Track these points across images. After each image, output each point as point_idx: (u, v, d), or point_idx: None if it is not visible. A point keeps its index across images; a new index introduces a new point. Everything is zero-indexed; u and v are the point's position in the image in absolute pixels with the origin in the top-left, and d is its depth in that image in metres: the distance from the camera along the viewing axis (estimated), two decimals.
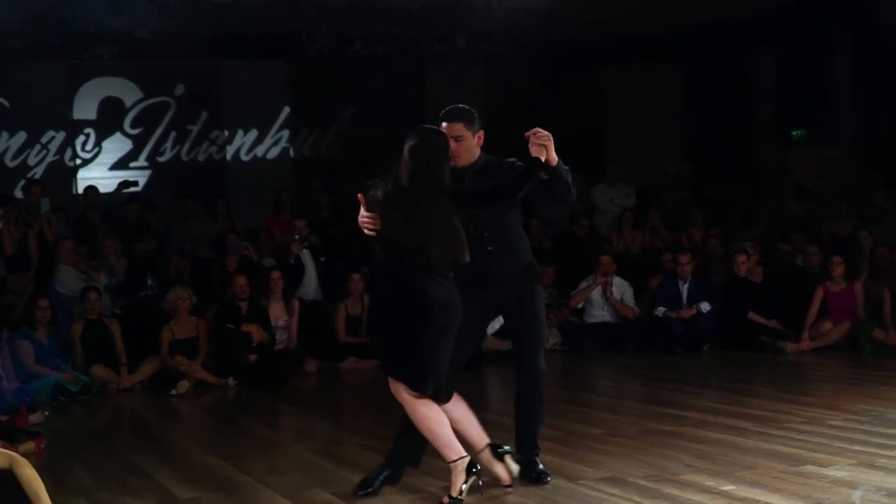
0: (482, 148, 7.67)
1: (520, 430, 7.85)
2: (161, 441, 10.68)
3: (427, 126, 7.50)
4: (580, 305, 16.14)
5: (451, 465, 7.11)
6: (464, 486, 7.06)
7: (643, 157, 20.74)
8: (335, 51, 17.33)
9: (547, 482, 7.59)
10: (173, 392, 13.50)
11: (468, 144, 7.53)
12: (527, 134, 7.26)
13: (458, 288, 7.24)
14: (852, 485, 7.13)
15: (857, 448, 8.28)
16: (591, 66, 21.65)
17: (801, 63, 20.52)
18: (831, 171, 19.21)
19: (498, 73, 20.35)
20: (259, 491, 7.97)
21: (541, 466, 7.74)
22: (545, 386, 7.83)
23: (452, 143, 7.44)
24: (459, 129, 7.51)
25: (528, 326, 7.70)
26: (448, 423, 7.24)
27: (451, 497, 7.03)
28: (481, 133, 7.62)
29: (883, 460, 7.81)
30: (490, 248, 7.53)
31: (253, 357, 14.09)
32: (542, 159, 7.16)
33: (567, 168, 7.43)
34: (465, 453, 7.14)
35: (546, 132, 7.23)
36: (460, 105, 7.72)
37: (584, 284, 16.14)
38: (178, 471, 8.91)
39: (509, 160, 7.59)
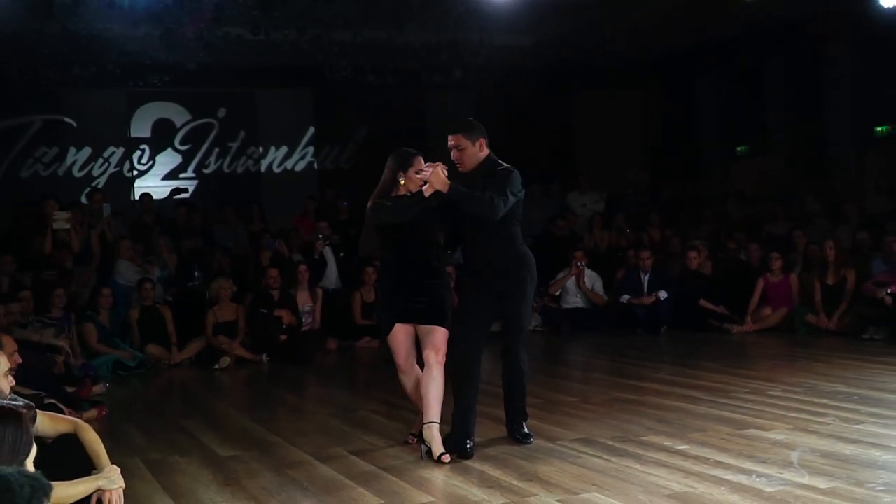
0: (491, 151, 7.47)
1: (508, 405, 7.77)
2: (205, 408, 10.64)
3: (398, 149, 7.57)
4: (558, 293, 16.11)
5: (433, 425, 7.22)
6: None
7: (609, 167, 20.70)
8: (352, 80, 17.24)
9: (530, 443, 7.53)
10: (216, 367, 13.48)
11: (470, 152, 7.35)
12: None
13: (469, 278, 7.37)
14: (790, 446, 7.06)
15: (793, 415, 8.21)
16: (564, 91, 21.63)
17: (741, 87, 20.54)
18: (768, 179, 19.19)
19: (487, 99, 20.30)
20: (288, 449, 7.92)
21: (526, 430, 7.69)
22: (528, 369, 7.69)
23: (455, 153, 7.37)
24: (458, 139, 7.36)
25: (511, 320, 7.51)
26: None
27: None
28: (482, 140, 7.39)
29: (816, 426, 7.73)
30: (474, 245, 7.43)
31: (283, 337, 14.07)
32: (427, 195, 7.09)
33: (465, 191, 7.11)
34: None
35: (428, 169, 7.13)
36: (464, 118, 7.60)
37: (561, 275, 16.11)
38: (220, 432, 8.86)
39: (501, 168, 7.38)
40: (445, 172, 7.13)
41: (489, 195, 7.13)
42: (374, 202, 7.39)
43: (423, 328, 7.37)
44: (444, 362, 7.32)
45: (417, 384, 7.51)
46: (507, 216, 7.32)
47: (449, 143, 7.42)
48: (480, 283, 7.44)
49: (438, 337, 7.32)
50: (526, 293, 7.50)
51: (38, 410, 5.66)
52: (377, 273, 14.86)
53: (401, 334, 7.47)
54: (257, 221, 17.64)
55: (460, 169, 7.43)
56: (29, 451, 4.77)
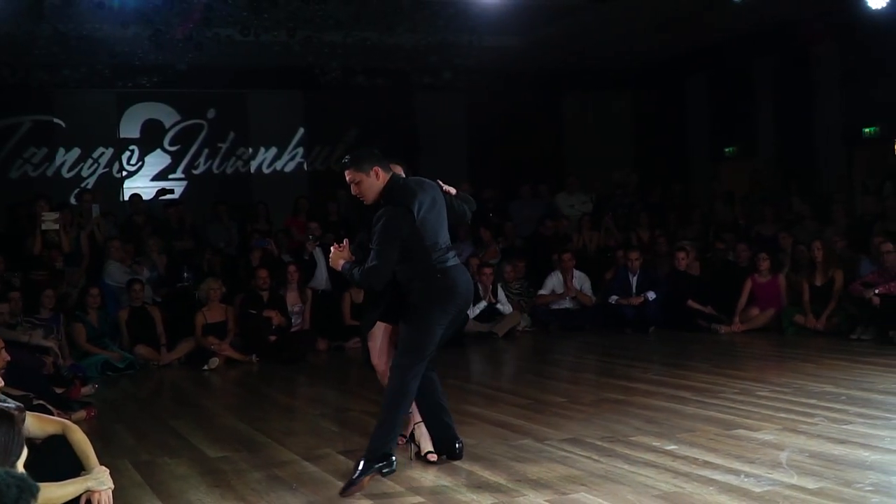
0: (393, 176, 6.94)
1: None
2: (195, 408, 10.59)
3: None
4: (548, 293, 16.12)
5: (422, 424, 7.26)
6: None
7: (599, 168, 20.71)
8: (342, 82, 17.25)
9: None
10: (206, 367, 13.44)
11: (367, 184, 6.87)
12: None
13: None
14: (778, 447, 7.06)
15: (781, 415, 8.21)
16: (554, 92, 21.66)
17: (728, 90, 20.58)
18: (756, 180, 19.22)
19: (477, 101, 20.34)
20: (278, 450, 7.92)
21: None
22: (393, 390, 6.85)
23: (354, 188, 6.96)
24: (351, 174, 6.91)
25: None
26: None
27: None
28: (377, 168, 6.82)
29: (804, 426, 7.74)
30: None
31: (273, 337, 14.06)
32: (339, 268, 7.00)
33: (348, 275, 6.91)
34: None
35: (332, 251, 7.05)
36: (355, 151, 7.13)
37: (548, 281, 16.08)
38: (209, 433, 8.84)
39: (389, 203, 6.81)
40: (344, 250, 6.97)
41: (364, 268, 6.75)
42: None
43: None
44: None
45: None
46: (402, 267, 6.84)
47: (346, 179, 7.03)
48: None
49: None
50: (403, 310, 6.96)
51: (26, 411, 5.64)
52: None
53: (380, 334, 7.43)
54: (262, 221, 17.61)
55: (365, 203, 7.02)
56: (20, 452, 4.76)
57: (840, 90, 18.21)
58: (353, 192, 7.03)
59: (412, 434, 7.32)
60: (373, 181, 6.87)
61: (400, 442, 7.68)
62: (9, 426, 4.64)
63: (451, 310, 6.91)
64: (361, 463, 6.61)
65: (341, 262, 6.97)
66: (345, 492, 6.50)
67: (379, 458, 6.65)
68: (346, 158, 7.04)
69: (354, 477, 6.54)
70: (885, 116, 17.32)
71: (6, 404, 5.15)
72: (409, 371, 6.80)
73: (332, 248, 7.10)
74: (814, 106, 18.75)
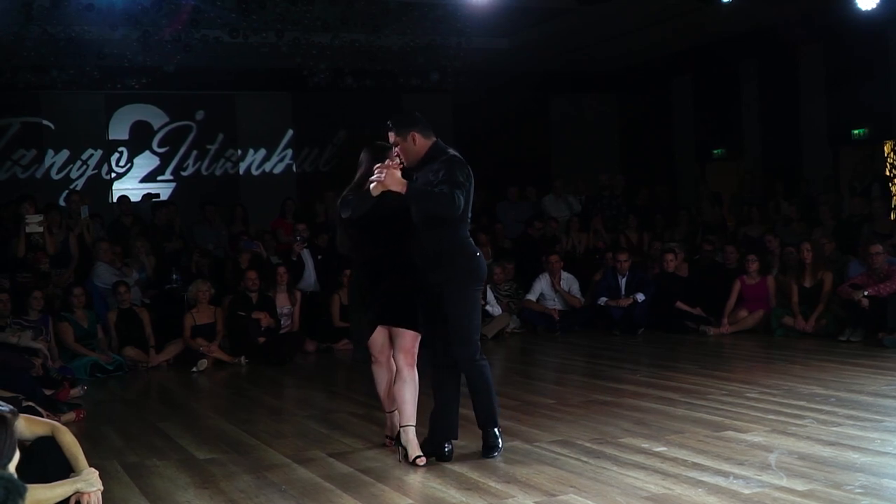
0: (436, 142, 7.13)
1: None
2: (183, 410, 10.57)
3: (372, 143, 7.56)
4: (535, 298, 16.10)
5: (408, 428, 7.21)
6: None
7: (586, 170, 20.70)
8: (331, 84, 17.21)
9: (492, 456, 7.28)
10: (194, 369, 13.41)
11: (404, 147, 7.06)
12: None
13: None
14: (767, 448, 7.06)
15: (770, 417, 8.21)
16: (541, 94, 21.68)
17: (715, 92, 20.60)
18: (743, 182, 19.25)
19: (464, 103, 20.32)
20: (266, 451, 7.89)
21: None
22: (469, 373, 7.29)
23: (395, 150, 7.10)
24: (391, 137, 7.13)
25: (447, 322, 7.16)
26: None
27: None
28: (414, 133, 7.03)
29: (793, 428, 7.73)
30: (419, 250, 7.19)
31: (261, 339, 14.01)
32: (374, 194, 6.80)
33: (423, 190, 6.87)
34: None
35: (382, 166, 6.81)
36: (400, 113, 7.34)
37: (536, 284, 16.03)
38: (198, 435, 8.81)
39: (444, 157, 7.01)
40: (399, 171, 6.85)
41: (444, 189, 6.79)
42: (342, 197, 7.31)
43: (394, 330, 7.31)
44: (414, 364, 7.24)
45: (391, 381, 7.46)
46: (448, 229, 6.99)
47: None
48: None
49: (408, 340, 7.24)
50: (459, 301, 7.07)
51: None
52: None
53: (379, 335, 7.42)
54: (238, 223, 17.58)
55: (406, 166, 7.12)
56: (12, 455, 4.74)
57: (826, 91, 18.26)
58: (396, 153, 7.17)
59: (398, 436, 7.29)
60: (410, 146, 7.08)
61: (387, 444, 7.67)
62: (2, 429, 4.62)
63: (480, 289, 7.30)
64: (496, 431, 7.35)
65: (403, 181, 6.78)
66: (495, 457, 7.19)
67: None
68: (391, 119, 7.18)
69: (501, 444, 7.32)
70: (871, 118, 17.36)
71: (0, 407, 5.14)
72: (474, 358, 7.21)
73: (378, 170, 6.78)
74: (800, 107, 18.79)
